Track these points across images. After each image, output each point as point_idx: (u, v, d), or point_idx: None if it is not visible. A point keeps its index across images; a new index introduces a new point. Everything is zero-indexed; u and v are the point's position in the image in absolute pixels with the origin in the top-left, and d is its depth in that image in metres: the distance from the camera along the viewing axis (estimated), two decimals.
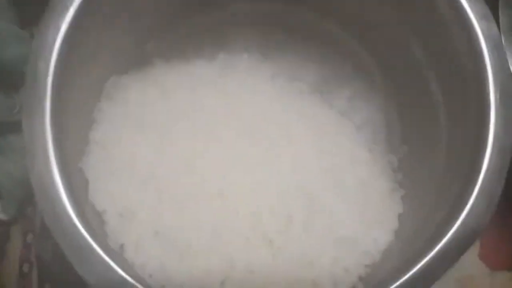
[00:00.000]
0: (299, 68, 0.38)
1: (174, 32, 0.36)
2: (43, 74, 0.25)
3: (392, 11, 0.32)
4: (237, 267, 0.26)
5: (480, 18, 0.26)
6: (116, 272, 0.23)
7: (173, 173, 0.28)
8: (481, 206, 0.24)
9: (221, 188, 0.28)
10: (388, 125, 0.37)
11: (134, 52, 0.34)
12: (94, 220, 0.26)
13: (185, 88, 0.32)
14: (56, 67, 0.25)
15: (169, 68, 0.34)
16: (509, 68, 0.26)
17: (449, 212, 0.25)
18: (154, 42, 0.35)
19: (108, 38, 0.30)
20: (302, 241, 0.27)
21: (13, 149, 0.35)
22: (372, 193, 0.31)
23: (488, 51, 0.26)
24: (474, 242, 0.25)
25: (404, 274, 0.24)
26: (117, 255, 0.25)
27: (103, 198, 0.27)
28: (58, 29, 0.26)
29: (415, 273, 0.24)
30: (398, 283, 0.24)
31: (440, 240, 0.24)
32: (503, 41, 0.29)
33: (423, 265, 0.24)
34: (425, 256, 0.24)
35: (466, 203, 0.24)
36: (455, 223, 0.24)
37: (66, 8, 0.26)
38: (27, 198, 0.36)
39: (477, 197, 0.24)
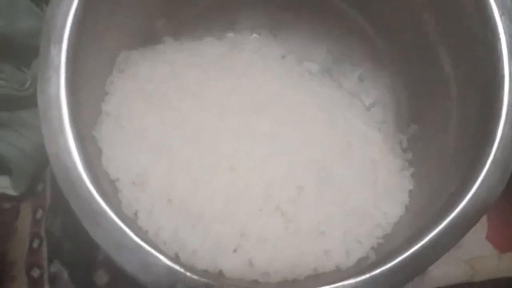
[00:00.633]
0: (308, 48, 0.39)
1: (183, 11, 0.36)
2: (57, 45, 0.25)
3: None
4: (249, 236, 0.26)
5: None
6: (130, 238, 0.23)
7: (184, 145, 0.28)
8: (494, 176, 0.24)
9: (232, 161, 0.28)
10: (397, 104, 0.37)
11: (144, 30, 0.34)
12: (108, 188, 0.26)
13: (194, 66, 0.32)
14: (69, 39, 0.26)
15: (178, 46, 0.34)
16: None
17: (460, 184, 0.25)
18: (164, 21, 0.35)
19: (119, 15, 0.30)
20: (313, 212, 0.27)
21: (25, 125, 0.35)
22: (382, 170, 0.31)
23: (501, 19, 0.26)
24: (484, 214, 0.24)
25: (415, 244, 0.24)
26: (131, 221, 0.25)
27: (117, 166, 0.27)
28: (70, 1, 0.26)
29: (425, 243, 0.24)
30: (407, 254, 0.24)
31: (451, 212, 0.24)
32: None
33: (433, 236, 0.24)
34: (436, 227, 0.24)
35: (479, 174, 0.25)
36: (466, 195, 0.24)
37: None
38: (37, 175, 0.36)
39: (490, 168, 0.24)
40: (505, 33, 0.26)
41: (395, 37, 0.36)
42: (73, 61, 0.25)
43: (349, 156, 0.30)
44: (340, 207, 0.28)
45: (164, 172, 0.27)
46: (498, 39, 0.26)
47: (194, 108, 0.30)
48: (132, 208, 0.26)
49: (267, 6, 0.38)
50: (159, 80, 0.31)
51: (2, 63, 0.34)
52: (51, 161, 0.24)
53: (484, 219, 0.38)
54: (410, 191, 0.30)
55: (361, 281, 0.24)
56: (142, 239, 0.23)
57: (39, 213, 0.36)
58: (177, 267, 0.23)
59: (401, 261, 0.24)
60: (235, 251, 0.26)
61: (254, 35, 0.38)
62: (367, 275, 0.24)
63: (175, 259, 0.25)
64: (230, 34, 0.38)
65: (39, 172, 0.36)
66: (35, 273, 0.35)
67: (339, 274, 0.26)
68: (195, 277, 0.23)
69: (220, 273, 0.26)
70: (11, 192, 0.36)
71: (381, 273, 0.24)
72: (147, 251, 0.23)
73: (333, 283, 0.23)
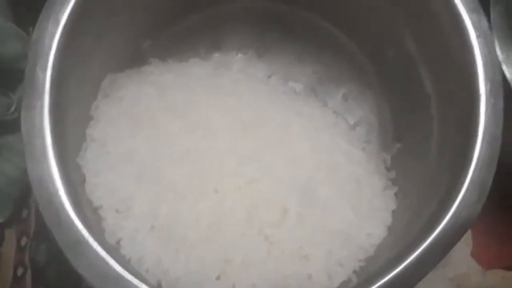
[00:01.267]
0: (294, 68, 0.39)
1: (169, 32, 0.37)
2: (42, 69, 0.26)
3: (385, 5, 0.32)
4: (233, 262, 0.26)
5: (470, 12, 0.27)
6: (112, 267, 0.23)
7: (169, 168, 0.28)
8: (472, 196, 0.25)
9: (217, 183, 0.28)
10: (381, 123, 0.37)
11: (130, 52, 0.34)
12: (92, 216, 0.26)
13: (180, 87, 0.33)
14: (54, 63, 0.26)
15: (164, 67, 0.35)
16: (498, 61, 0.26)
17: (440, 203, 0.26)
18: (150, 42, 0.36)
19: (105, 37, 0.30)
20: (297, 234, 0.27)
21: (10, 149, 0.35)
22: (366, 190, 0.31)
23: (478, 43, 0.26)
24: (466, 233, 0.25)
25: (397, 266, 0.24)
26: (114, 250, 0.25)
27: (100, 193, 0.27)
28: (56, 25, 0.26)
29: (407, 265, 0.24)
30: (390, 275, 0.24)
31: (432, 232, 0.25)
32: (494, 37, 0.30)
33: (415, 258, 0.24)
34: (417, 248, 0.25)
35: (457, 194, 0.25)
36: (446, 215, 0.25)
37: (64, 6, 0.26)
38: (22, 200, 0.36)
39: (468, 187, 0.25)
40: (481, 54, 0.26)
41: (378, 56, 0.37)
42: (58, 87, 0.26)
43: (333, 177, 0.31)
44: (323, 229, 0.28)
45: (148, 198, 0.27)
46: (474, 61, 0.26)
47: (181, 129, 0.30)
48: (115, 236, 0.26)
49: (253, 26, 0.39)
50: (146, 102, 0.31)
51: None
52: (34, 189, 0.24)
53: (468, 237, 0.38)
54: (393, 211, 0.31)
55: None
56: (124, 268, 0.23)
57: (24, 240, 0.36)
58: None
59: (384, 284, 0.24)
60: (218, 278, 0.26)
61: (240, 55, 0.39)
62: None
63: (157, 287, 0.25)
64: (216, 54, 0.38)
65: (23, 197, 0.36)
66: None
67: None
68: None
69: None
70: None
71: None
72: (129, 281, 0.23)
73: None
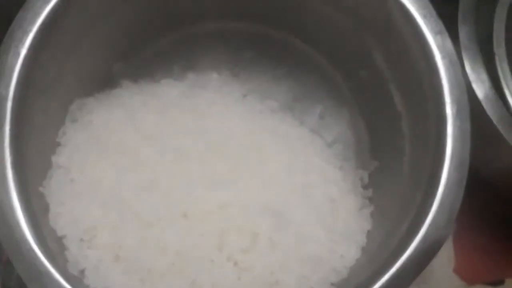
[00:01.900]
0: (269, 86, 0.39)
1: (142, 52, 0.36)
2: (3, 99, 0.25)
3: (354, 26, 0.32)
4: None
5: (435, 34, 0.27)
6: None
7: (136, 195, 0.27)
8: (441, 220, 0.25)
9: (186, 208, 0.28)
10: (358, 141, 0.37)
11: (100, 74, 0.34)
12: (54, 246, 0.25)
13: (152, 109, 0.32)
14: (16, 92, 0.25)
15: (136, 89, 0.34)
16: (464, 83, 0.26)
17: (411, 225, 0.26)
18: (121, 63, 0.35)
19: (73, 61, 0.30)
20: (268, 260, 0.27)
21: None
22: (342, 210, 0.31)
23: (444, 66, 0.26)
24: (436, 254, 0.25)
25: None
26: (77, 280, 0.25)
27: (64, 222, 0.26)
28: (17, 57, 0.26)
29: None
30: None
31: (402, 254, 0.25)
32: (463, 55, 0.30)
33: (386, 280, 0.24)
34: (388, 270, 0.24)
35: (426, 216, 0.25)
36: (416, 237, 0.25)
37: (26, 33, 0.26)
38: None
39: (437, 210, 0.25)
40: (446, 76, 0.26)
41: (352, 74, 0.37)
42: (19, 117, 0.25)
43: (308, 198, 0.30)
44: (295, 253, 0.27)
45: (113, 226, 0.26)
46: (440, 82, 0.26)
47: (151, 154, 0.29)
48: (79, 266, 0.26)
49: (228, 46, 0.39)
50: (115, 126, 0.30)
51: None
52: None
53: (451, 253, 0.38)
54: (368, 231, 0.30)
55: None
56: None
57: None
58: None
59: None
60: None
61: (215, 75, 0.39)
62: None
63: None
64: (191, 74, 0.38)
65: None
66: None
67: None
68: None
69: None
70: None
71: None
72: None
73: None
